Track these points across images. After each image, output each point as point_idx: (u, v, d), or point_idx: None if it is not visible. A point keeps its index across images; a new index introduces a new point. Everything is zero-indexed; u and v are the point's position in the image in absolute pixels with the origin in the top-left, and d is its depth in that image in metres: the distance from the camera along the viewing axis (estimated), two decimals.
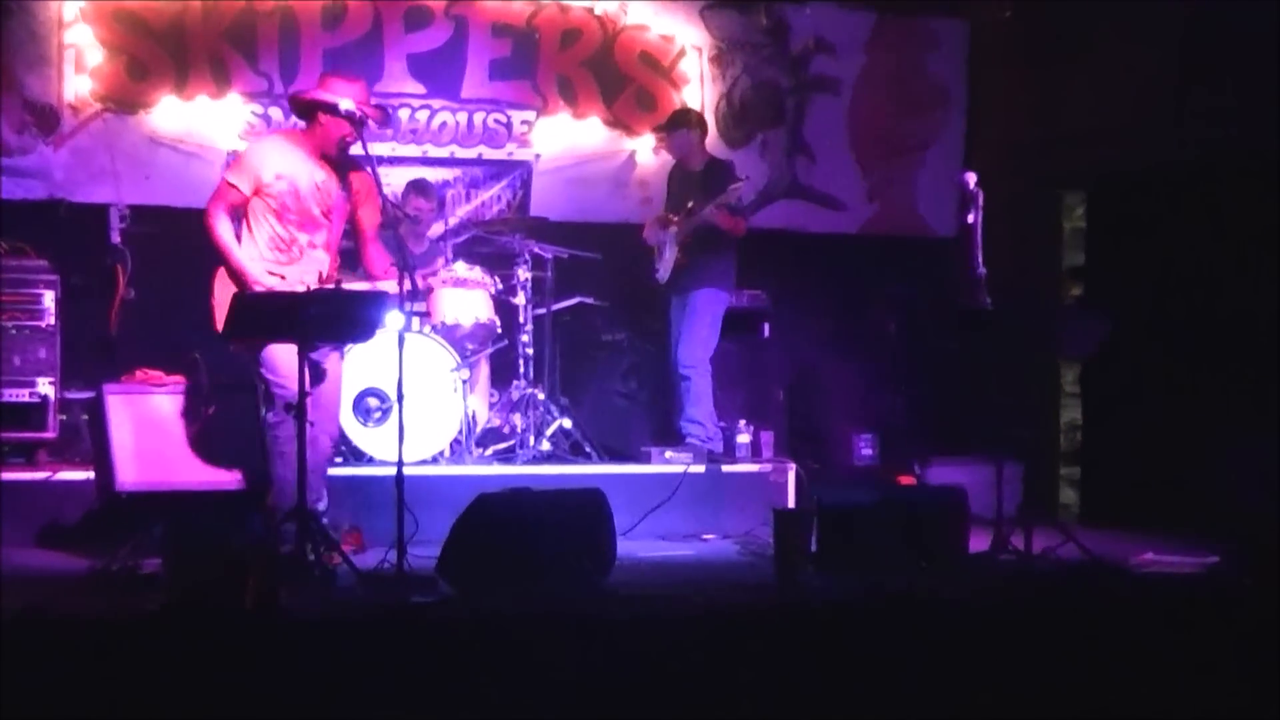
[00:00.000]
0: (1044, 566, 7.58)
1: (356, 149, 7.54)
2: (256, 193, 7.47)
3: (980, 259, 7.95)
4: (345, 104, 7.41)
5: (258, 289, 7.29)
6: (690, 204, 9.53)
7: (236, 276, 7.35)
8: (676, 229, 9.59)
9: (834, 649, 6.01)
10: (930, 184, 11.34)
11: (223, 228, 7.41)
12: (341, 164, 7.63)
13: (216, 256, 7.40)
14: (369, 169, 7.63)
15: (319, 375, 7.43)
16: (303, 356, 6.93)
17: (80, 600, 6.39)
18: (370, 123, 7.54)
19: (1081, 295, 10.47)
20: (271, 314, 7.09)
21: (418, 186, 10.03)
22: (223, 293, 7.33)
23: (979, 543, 7.76)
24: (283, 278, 7.42)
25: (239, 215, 7.51)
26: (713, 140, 10.42)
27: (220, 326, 7.29)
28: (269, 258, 7.47)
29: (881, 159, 11.39)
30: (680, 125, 9.87)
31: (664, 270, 9.69)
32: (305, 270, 7.46)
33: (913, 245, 11.26)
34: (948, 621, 6.29)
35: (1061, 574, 7.46)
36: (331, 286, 7.26)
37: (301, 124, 7.70)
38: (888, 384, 10.56)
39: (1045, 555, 7.68)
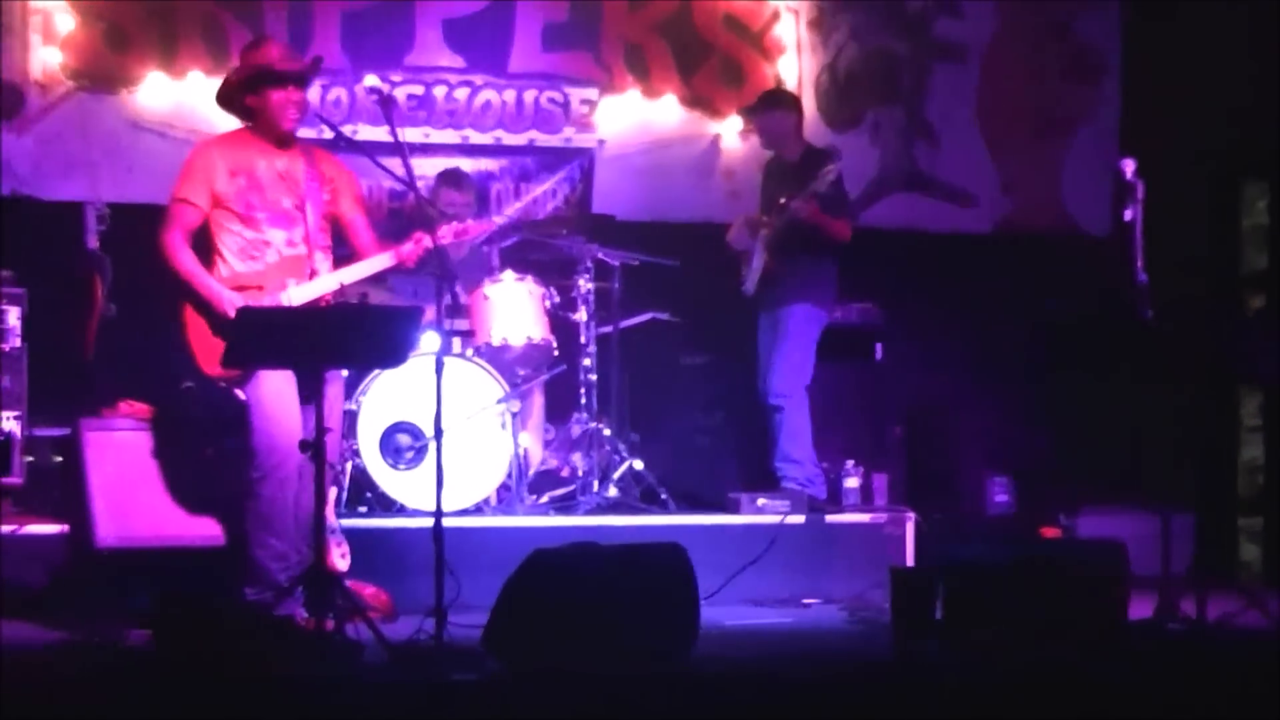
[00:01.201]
0: (1222, 637, 7.56)
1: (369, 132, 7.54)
2: (216, 204, 7.52)
3: (1141, 263, 7.95)
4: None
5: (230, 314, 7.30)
6: (781, 201, 9.45)
7: (208, 307, 7.40)
8: (767, 232, 9.53)
9: None
10: (1079, 172, 11.33)
11: (186, 258, 7.48)
12: (306, 151, 7.66)
13: (183, 290, 7.45)
14: (324, 149, 7.70)
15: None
16: (318, 385, 6.93)
17: (50, 681, 6.39)
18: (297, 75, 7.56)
19: (1265, 306, 10.45)
20: (280, 333, 7.07)
21: (449, 177, 10.07)
22: (197, 324, 7.43)
23: (1141, 609, 7.74)
24: (260, 288, 7.46)
25: (203, 236, 7.53)
26: (812, 121, 10.43)
27: (202, 363, 7.42)
28: (241, 270, 7.50)
29: (1019, 142, 11.40)
30: (772, 106, 9.81)
31: (751, 281, 9.62)
32: (285, 276, 7.52)
33: (1058, 247, 11.25)
34: (1103, 704, 6.29)
35: (1243, 647, 7.44)
36: (355, 300, 7.28)
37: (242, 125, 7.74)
38: (1028, 417, 10.57)
39: (1223, 624, 7.67)
